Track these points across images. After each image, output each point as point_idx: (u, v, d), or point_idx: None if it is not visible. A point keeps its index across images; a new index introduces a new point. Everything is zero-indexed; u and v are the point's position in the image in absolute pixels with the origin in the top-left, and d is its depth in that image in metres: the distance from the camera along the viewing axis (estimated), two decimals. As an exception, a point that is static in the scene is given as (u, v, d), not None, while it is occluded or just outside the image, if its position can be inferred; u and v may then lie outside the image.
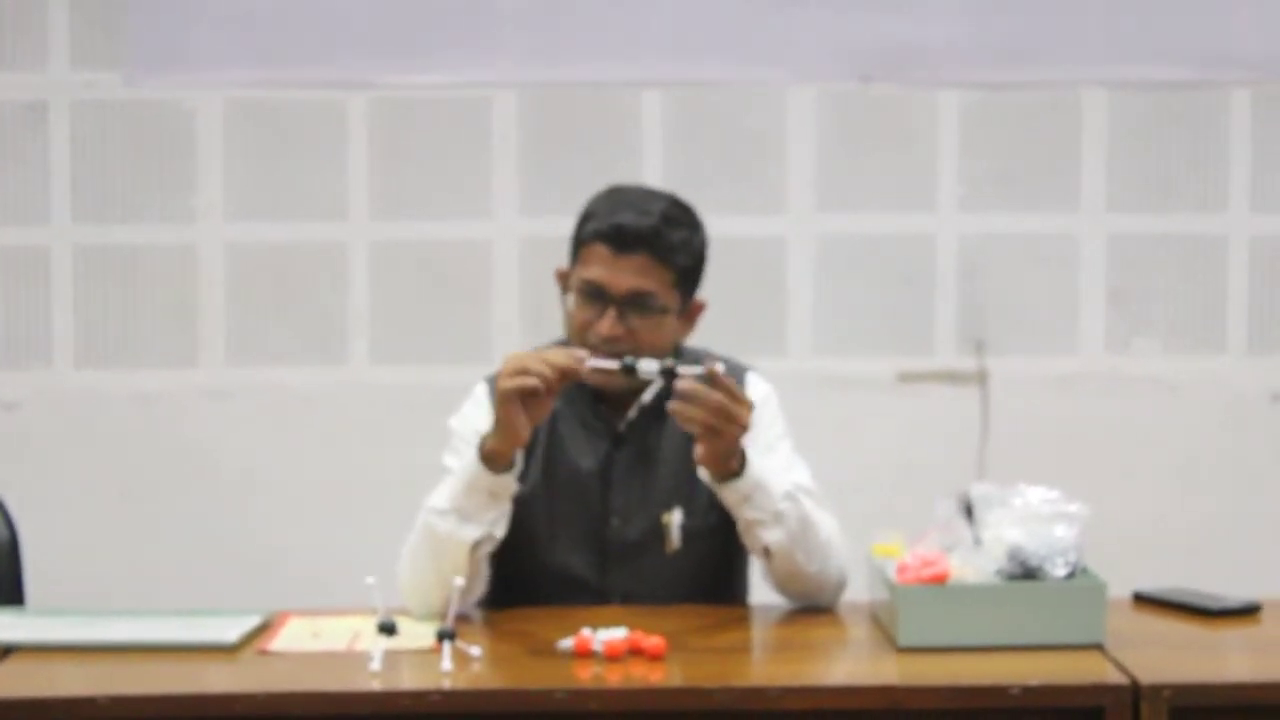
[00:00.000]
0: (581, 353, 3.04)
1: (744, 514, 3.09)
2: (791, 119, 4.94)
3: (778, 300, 4.94)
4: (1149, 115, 4.93)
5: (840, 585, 3.20)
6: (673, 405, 3.00)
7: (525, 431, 3.01)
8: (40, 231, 4.90)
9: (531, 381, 2.97)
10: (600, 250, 3.15)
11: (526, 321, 4.83)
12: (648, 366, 3.04)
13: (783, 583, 3.16)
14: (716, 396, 2.97)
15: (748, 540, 3.14)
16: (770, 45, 4.82)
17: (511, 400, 2.98)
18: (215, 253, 4.91)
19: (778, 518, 3.09)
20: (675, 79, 4.87)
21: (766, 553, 3.11)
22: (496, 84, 4.88)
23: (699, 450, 3.04)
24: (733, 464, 3.07)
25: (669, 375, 3.03)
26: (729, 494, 3.09)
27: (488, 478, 3.04)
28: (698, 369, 3.02)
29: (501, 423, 3.01)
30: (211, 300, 4.92)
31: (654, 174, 4.80)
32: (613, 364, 3.05)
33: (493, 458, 3.04)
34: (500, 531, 3.08)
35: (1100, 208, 4.96)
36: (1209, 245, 4.97)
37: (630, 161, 4.86)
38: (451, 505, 3.06)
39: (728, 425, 2.98)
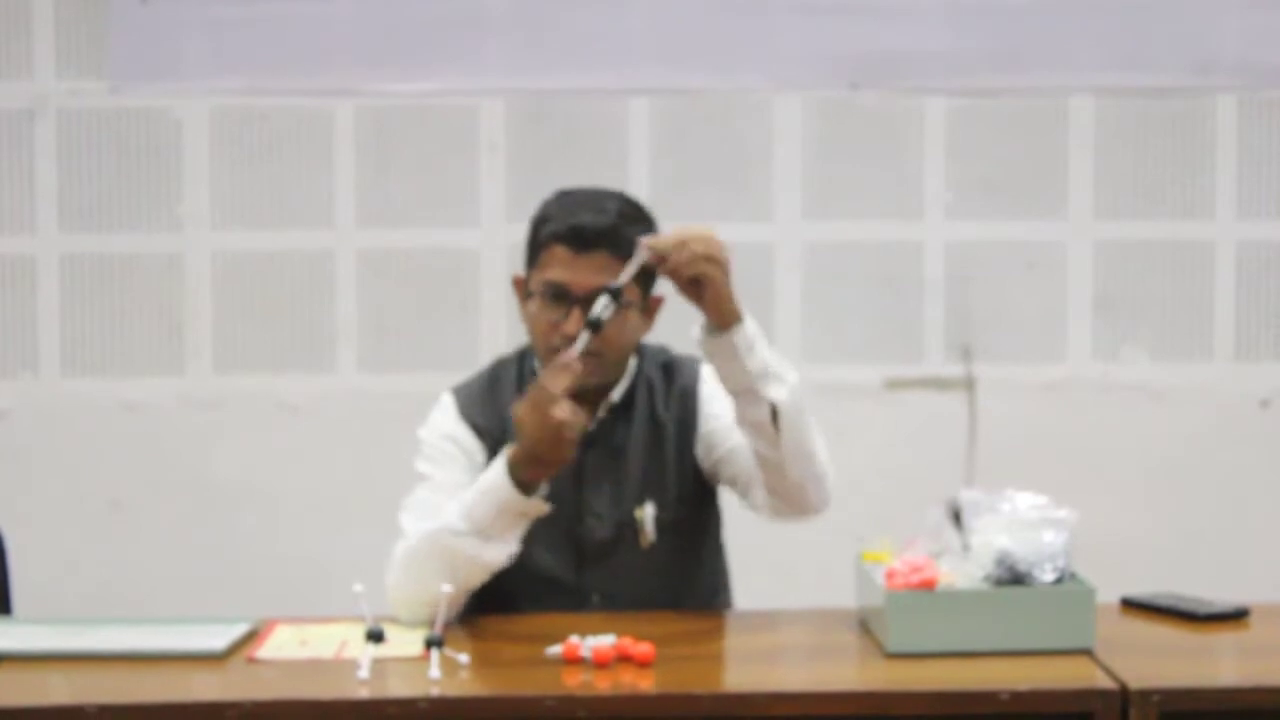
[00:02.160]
0: (564, 360, 3.05)
1: (749, 367, 3.06)
2: (778, 126, 4.94)
3: (765, 307, 4.93)
4: (1136, 122, 4.94)
5: (827, 486, 3.19)
6: (666, 268, 3.04)
7: (572, 454, 3.05)
8: (26, 240, 4.89)
9: (581, 421, 3.01)
10: (560, 251, 3.17)
11: (513, 328, 4.81)
12: (599, 309, 3.06)
13: (787, 466, 3.11)
14: (676, 231, 3.05)
15: (751, 417, 3.09)
16: (757, 52, 4.83)
17: (574, 441, 3.01)
18: (202, 261, 4.91)
19: (780, 375, 3.09)
20: (662, 87, 4.87)
21: (773, 415, 3.08)
22: (483, 92, 4.88)
23: (706, 299, 3.04)
24: (735, 309, 3.07)
25: (615, 295, 3.06)
26: (737, 340, 3.05)
27: (523, 502, 3.05)
28: (635, 259, 3.07)
29: (560, 463, 3.03)
30: (198, 308, 4.91)
31: (640, 181, 4.81)
32: (584, 338, 3.05)
33: (532, 484, 3.05)
34: (518, 547, 3.10)
35: (1087, 214, 4.97)
36: (1196, 252, 4.98)
37: (617, 169, 4.86)
38: (473, 527, 3.05)
39: (710, 247, 3.02)
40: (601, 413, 3.26)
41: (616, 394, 3.27)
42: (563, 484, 3.22)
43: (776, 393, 3.08)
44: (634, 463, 3.26)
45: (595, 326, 3.06)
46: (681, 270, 3.03)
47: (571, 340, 3.09)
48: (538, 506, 3.07)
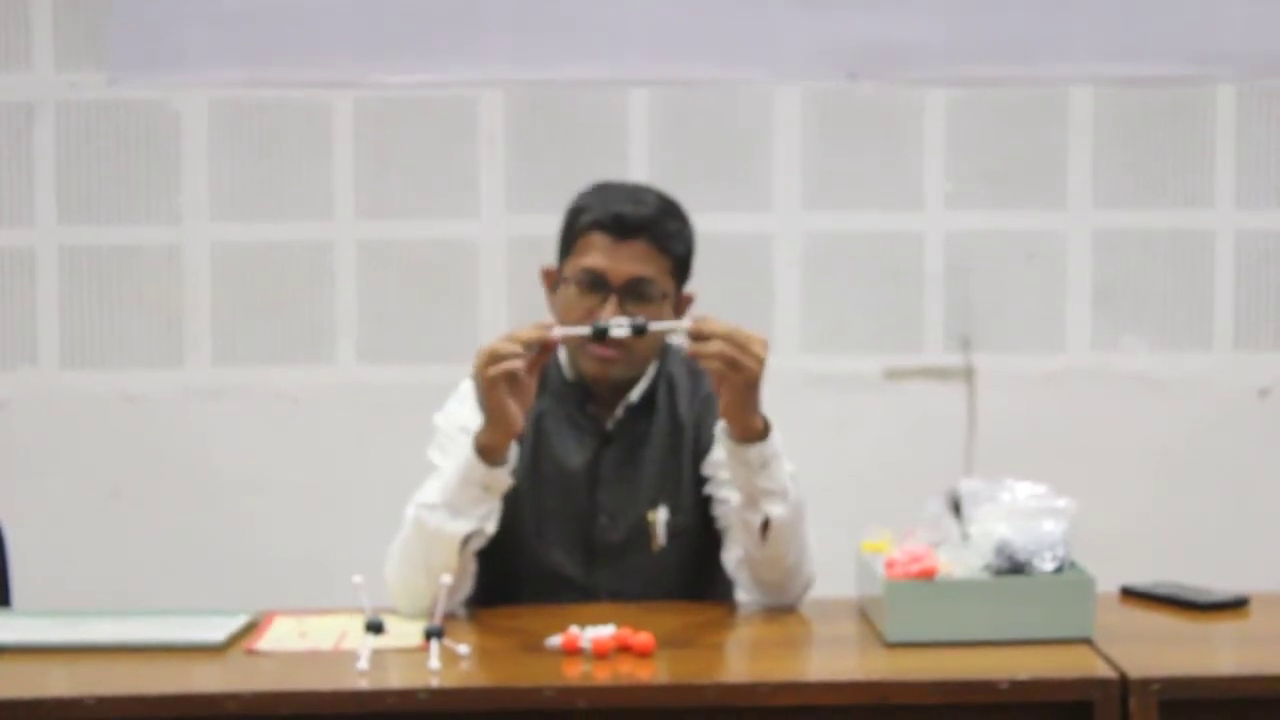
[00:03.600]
0: (547, 322, 3.05)
1: (757, 482, 3.06)
2: (778, 117, 4.94)
3: (765, 298, 4.94)
4: (1135, 112, 4.94)
5: (807, 585, 3.19)
6: (691, 348, 2.99)
7: (518, 419, 3.00)
8: (26, 232, 4.89)
9: (511, 364, 2.96)
10: (599, 239, 3.15)
11: (514, 320, 4.82)
12: (619, 324, 3.04)
13: (763, 568, 3.13)
14: (728, 325, 2.97)
15: (745, 515, 3.10)
16: (756, 43, 4.82)
17: (496, 387, 2.97)
18: (201, 253, 4.91)
19: (785, 491, 3.08)
20: (661, 77, 4.87)
21: (764, 529, 3.09)
22: (483, 83, 4.88)
23: (722, 401, 3.02)
24: (757, 423, 3.04)
25: (639, 331, 3.03)
26: (751, 456, 3.04)
27: (482, 470, 3.03)
28: (676, 323, 3.06)
29: (492, 414, 3.00)
30: (197, 300, 4.91)
31: (640, 172, 4.80)
32: (583, 330, 3.05)
33: (488, 451, 3.03)
34: (491, 527, 3.08)
35: (1087, 205, 4.97)
36: (1195, 242, 4.98)
37: (617, 160, 4.86)
38: (442, 499, 3.06)
39: (745, 356, 2.95)
40: (620, 412, 3.25)
41: (635, 394, 3.25)
42: (577, 481, 3.22)
43: (773, 509, 3.08)
44: (650, 464, 3.24)
45: (599, 335, 3.05)
46: (703, 359, 2.99)
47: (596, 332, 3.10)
48: (499, 479, 3.05)
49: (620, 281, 3.13)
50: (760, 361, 2.98)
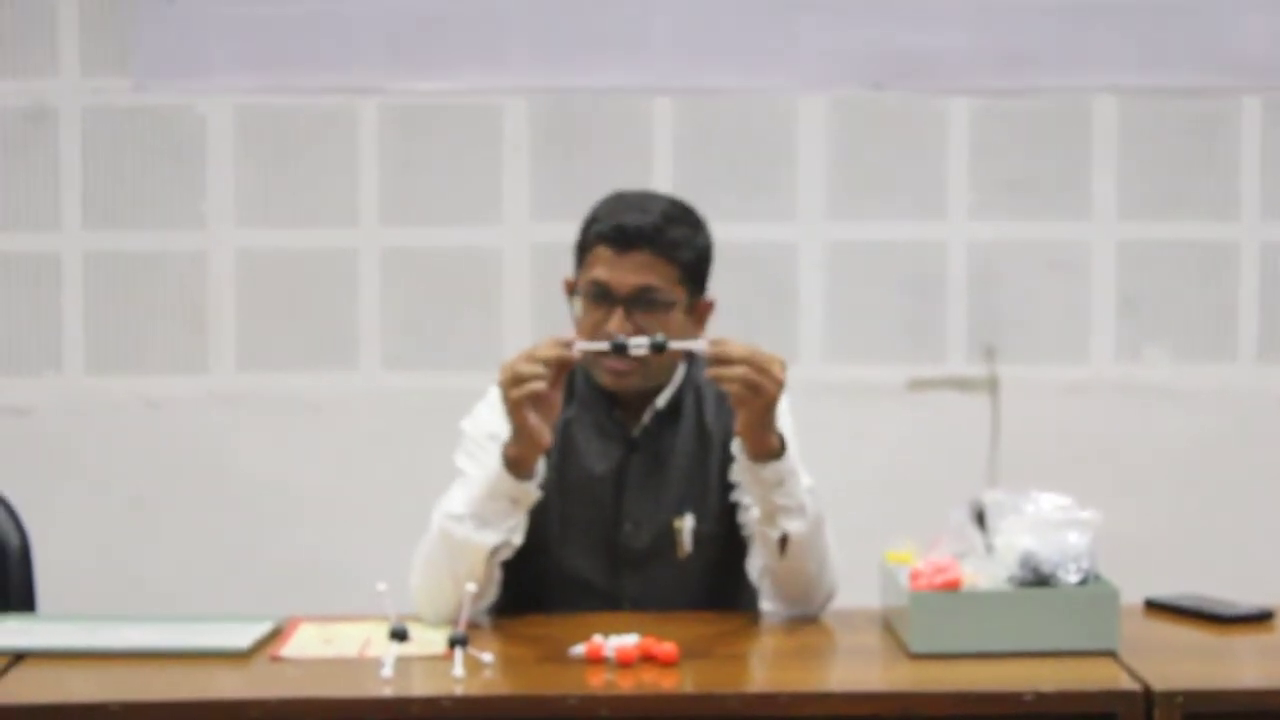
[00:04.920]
0: (567, 337, 3.05)
1: (773, 499, 3.06)
2: (802, 126, 4.94)
3: (789, 308, 4.94)
4: (1160, 122, 4.93)
5: (829, 596, 3.19)
6: (711, 371, 2.99)
7: (545, 434, 3.02)
8: (51, 237, 4.90)
9: (535, 385, 2.97)
10: (603, 251, 3.16)
11: (537, 327, 4.83)
12: (638, 343, 3.05)
13: (783, 580, 3.13)
14: (747, 348, 2.97)
15: (763, 530, 3.10)
16: (781, 52, 4.83)
17: (521, 409, 2.99)
18: (226, 259, 4.92)
19: (802, 508, 3.08)
20: (686, 86, 4.87)
21: (783, 544, 3.09)
22: (507, 90, 4.89)
23: (739, 421, 3.02)
24: (773, 441, 3.05)
25: (659, 349, 3.03)
26: (767, 474, 3.05)
27: (510, 483, 3.04)
28: (694, 341, 3.06)
29: (519, 431, 3.01)
30: (222, 306, 4.92)
31: (664, 181, 4.81)
32: (602, 345, 3.06)
33: (516, 464, 3.04)
34: (518, 539, 3.09)
35: (1111, 215, 4.96)
36: (1220, 253, 4.97)
37: (641, 168, 4.86)
38: (469, 510, 3.06)
39: (763, 378, 2.96)
40: (647, 419, 3.26)
41: (662, 400, 3.26)
42: (603, 488, 3.23)
43: (791, 525, 3.09)
44: (677, 471, 3.24)
45: (619, 349, 3.06)
46: (724, 383, 2.98)
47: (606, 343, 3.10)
48: (527, 492, 3.06)
49: (624, 292, 3.14)
50: (779, 384, 2.99)
